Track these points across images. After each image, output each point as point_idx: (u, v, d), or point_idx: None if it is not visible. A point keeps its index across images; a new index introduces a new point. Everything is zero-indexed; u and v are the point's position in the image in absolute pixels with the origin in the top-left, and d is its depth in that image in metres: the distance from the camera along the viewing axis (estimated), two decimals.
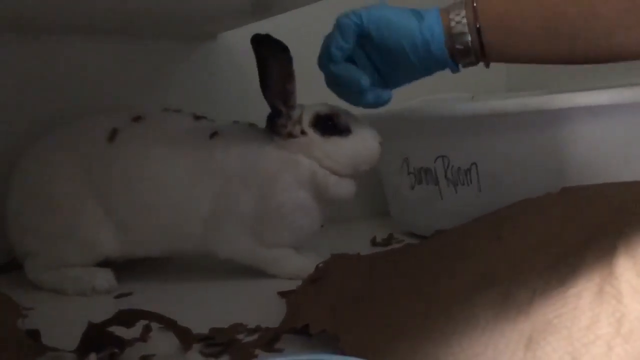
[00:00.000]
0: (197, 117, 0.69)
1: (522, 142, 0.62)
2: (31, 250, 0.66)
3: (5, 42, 0.76)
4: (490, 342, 0.37)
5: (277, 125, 0.63)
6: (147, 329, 0.48)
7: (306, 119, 0.64)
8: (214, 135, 0.66)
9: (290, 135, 0.64)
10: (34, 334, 0.46)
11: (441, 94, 0.90)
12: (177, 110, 0.70)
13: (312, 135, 0.64)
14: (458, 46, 0.61)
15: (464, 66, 0.64)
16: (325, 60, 0.64)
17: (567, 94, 0.57)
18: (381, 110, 0.82)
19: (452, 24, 0.61)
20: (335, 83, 0.65)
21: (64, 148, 0.66)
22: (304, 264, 0.63)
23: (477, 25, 0.61)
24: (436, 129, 0.73)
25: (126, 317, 0.45)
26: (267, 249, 0.65)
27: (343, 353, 0.40)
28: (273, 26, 0.76)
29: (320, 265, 0.57)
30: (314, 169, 0.64)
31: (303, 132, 0.64)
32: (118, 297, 0.62)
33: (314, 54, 0.66)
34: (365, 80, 0.63)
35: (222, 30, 0.89)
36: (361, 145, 0.65)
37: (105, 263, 0.66)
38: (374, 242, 0.81)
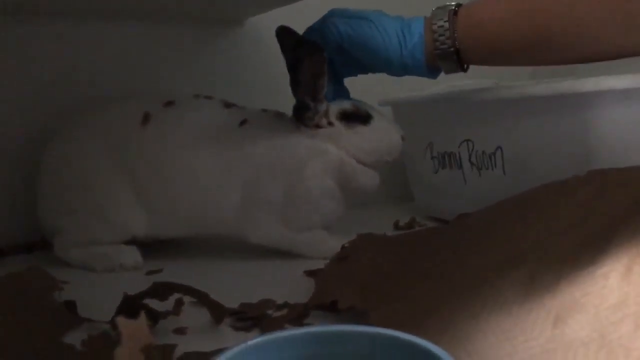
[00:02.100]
0: (228, 105, 0.70)
1: (548, 126, 0.62)
2: (61, 228, 0.68)
3: (36, 27, 0.78)
4: (517, 319, 0.38)
5: (304, 118, 0.65)
6: (179, 303, 0.49)
7: (332, 113, 0.66)
8: (243, 122, 0.67)
9: (318, 126, 0.66)
10: (71, 305, 0.48)
11: (465, 81, 0.90)
12: (208, 96, 0.71)
13: (338, 126, 0.66)
14: (437, 52, 0.63)
15: (446, 73, 0.66)
16: None
17: (594, 78, 0.57)
18: (406, 95, 0.83)
19: (435, 36, 0.63)
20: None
21: (96, 130, 0.67)
22: (337, 244, 0.64)
23: (455, 34, 0.62)
24: (461, 114, 0.73)
25: (160, 290, 0.46)
26: (299, 233, 0.67)
27: None
28: (297, 12, 0.77)
29: (347, 244, 0.58)
30: (343, 157, 0.66)
31: (330, 124, 0.66)
32: (149, 273, 0.63)
33: None
34: (329, 91, 0.66)
35: (249, 16, 0.90)
36: (384, 134, 0.68)
37: (132, 241, 0.68)
38: (396, 226, 0.81)
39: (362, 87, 0.76)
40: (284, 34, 0.66)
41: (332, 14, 0.66)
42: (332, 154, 0.65)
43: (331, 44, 0.65)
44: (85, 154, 0.67)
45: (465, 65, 0.64)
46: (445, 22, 0.62)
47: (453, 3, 0.64)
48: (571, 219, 0.47)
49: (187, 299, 0.50)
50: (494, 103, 0.67)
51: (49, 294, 0.50)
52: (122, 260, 0.65)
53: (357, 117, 0.67)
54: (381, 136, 0.67)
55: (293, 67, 0.63)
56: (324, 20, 0.66)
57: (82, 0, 0.72)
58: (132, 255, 0.66)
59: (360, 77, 0.71)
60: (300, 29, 0.73)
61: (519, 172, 0.67)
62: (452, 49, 0.62)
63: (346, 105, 0.67)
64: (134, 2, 0.74)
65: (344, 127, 0.66)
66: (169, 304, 0.48)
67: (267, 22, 0.87)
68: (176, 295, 0.48)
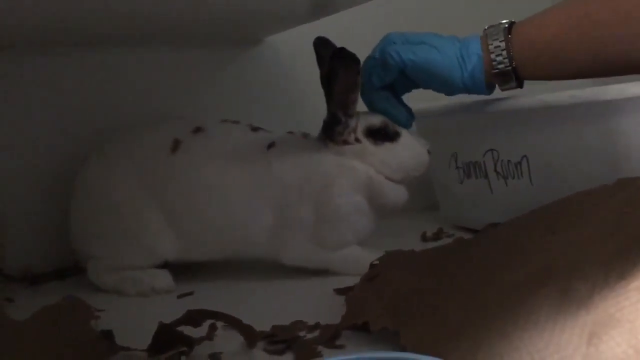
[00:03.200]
0: (255, 129, 0.71)
1: (574, 134, 0.62)
2: (94, 254, 0.69)
3: (65, 56, 0.80)
4: (552, 337, 0.38)
5: (334, 133, 0.65)
6: (213, 328, 0.50)
7: (360, 128, 0.66)
8: (271, 146, 0.68)
9: (345, 142, 0.66)
10: (108, 335, 0.49)
11: None
12: (235, 121, 0.72)
13: (365, 142, 0.66)
14: (495, 72, 0.65)
15: (503, 90, 0.67)
16: (365, 82, 0.67)
17: (619, 85, 0.57)
18: (429, 105, 0.83)
19: (493, 56, 0.64)
20: (372, 108, 0.69)
21: (127, 156, 0.69)
22: (372, 259, 0.64)
23: (512, 55, 0.63)
24: (485, 123, 0.73)
25: (194, 317, 0.47)
26: (333, 251, 0.67)
27: (404, 349, 0.41)
28: (317, 30, 0.77)
29: (375, 262, 0.58)
30: (371, 174, 0.66)
31: (357, 140, 0.66)
32: (181, 296, 0.64)
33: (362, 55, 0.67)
34: (402, 116, 0.68)
35: (267, 35, 0.91)
36: (411, 150, 0.68)
37: (164, 264, 0.69)
38: (424, 238, 0.81)
39: None
40: (321, 45, 0.67)
41: (391, 40, 0.67)
42: (359, 170, 0.66)
43: (393, 71, 0.66)
44: (116, 180, 0.68)
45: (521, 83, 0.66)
46: (501, 41, 0.63)
47: (505, 21, 0.65)
48: (602, 230, 0.47)
49: (220, 323, 0.50)
50: (518, 112, 0.67)
51: (86, 324, 0.51)
52: (154, 284, 0.66)
53: (385, 134, 0.67)
54: (408, 153, 0.67)
55: (327, 79, 0.64)
56: (384, 48, 0.66)
57: (108, 29, 0.73)
58: (165, 279, 0.67)
59: None
60: None
61: (547, 181, 0.66)
62: (509, 68, 0.64)
63: (374, 121, 0.67)
64: (156, 28, 0.76)
65: (371, 143, 0.66)
66: (202, 329, 0.49)
67: (286, 40, 0.89)
68: (209, 321, 0.49)
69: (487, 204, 0.76)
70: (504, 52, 0.63)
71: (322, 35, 0.69)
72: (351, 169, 0.65)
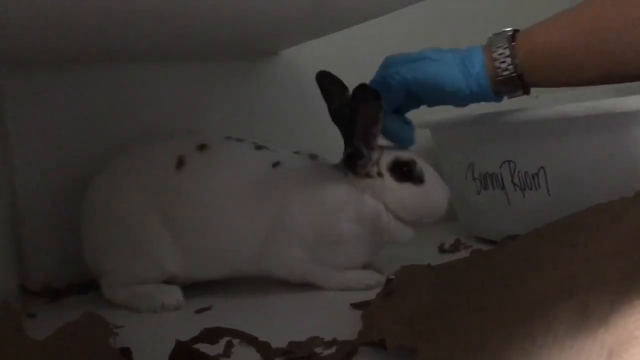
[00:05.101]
0: (258, 147, 0.71)
1: (591, 146, 0.61)
2: (104, 268, 0.70)
3: (73, 72, 0.81)
4: (570, 354, 0.37)
5: (357, 166, 0.66)
6: (229, 345, 0.50)
7: (384, 162, 0.66)
8: (276, 165, 0.69)
9: (368, 176, 0.66)
10: (126, 352, 0.49)
11: None
12: (240, 139, 0.72)
13: (388, 178, 0.66)
14: (500, 79, 0.64)
15: (509, 97, 0.67)
16: None
17: (635, 96, 0.56)
18: (445, 116, 0.83)
19: (497, 64, 0.64)
20: (384, 132, 0.68)
21: (134, 173, 0.70)
22: (358, 276, 0.67)
23: (517, 62, 0.63)
24: (501, 134, 0.72)
25: (211, 335, 0.47)
26: (321, 266, 0.68)
27: None
28: (328, 44, 0.78)
29: (392, 277, 0.58)
30: (380, 211, 0.66)
31: (380, 174, 0.66)
32: (198, 312, 0.64)
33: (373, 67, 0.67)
34: (413, 132, 0.69)
35: (282, 49, 0.91)
36: (432, 197, 0.68)
37: (175, 281, 0.69)
38: (441, 249, 0.81)
39: None
40: (325, 79, 0.68)
41: (390, 63, 0.67)
42: (368, 205, 0.66)
43: (399, 92, 0.66)
44: (123, 195, 0.69)
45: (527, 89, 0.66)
46: (505, 48, 0.63)
47: (508, 29, 0.65)
48: (620, 244, 0.46)
49: (236, 340, 0.50)
50: (535, 123, 0.66)
51: (104, 341, 0.51)
52: (163, 300, 0.67)
53: (409, 173, 0.67)
54: (428, 200, 0.67)
55: (338, 112, 0.65)
56: (385, 71, 0.66)
57: (121, 45, 0.74)
58: (174, 295, 0.67)
59: None
60: (332, 61, 0.74)
61: (564, 193, 0.65)
62: (514, 74, 0.63)
63: (403, 155, 0.67)
64: (172, 42, 0.76)
65: (393, 179, 0.66)
66: (219, 346, 0.49)
67: (300, 54, 0.89)
68: (226, 338, 0.49)
69: (504, 215, 0.75)
70: (508, 59, 0.63)
71: (334, 49, 0.70)
72: (360, 202, 0.66)
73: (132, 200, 0.68)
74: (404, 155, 0.67)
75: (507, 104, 0.69)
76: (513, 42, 0.63)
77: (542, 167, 0.67)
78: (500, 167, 0.73)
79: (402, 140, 0.69)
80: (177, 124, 0.86)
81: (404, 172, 0.66)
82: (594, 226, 0.51)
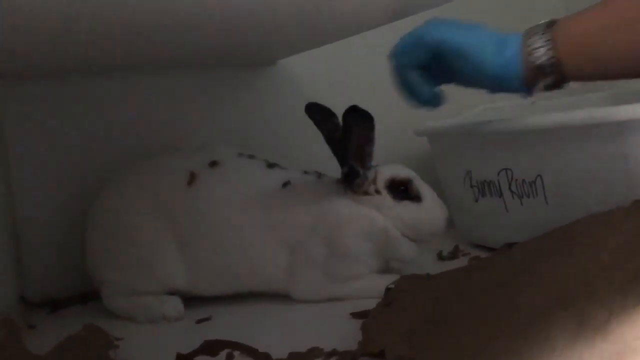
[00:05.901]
0: (270, 165, 0.72)
1: (588, 154, 0.61)
2: (107, 279, 0.70)
3: (81, 84, 0.82)
4: None
5: (354, 184, 0.67)
6: (230, 357, 0.50)
7: (381, 180, 0.68)
8: (286, 184, 0.69)
9: (366, 193, 0.67)
10: None
11: (501, 102, 0.90)
12: (251, 155, 0.73)
13: (385, 196, 0.67)
14: (534, 66, 0.62)
15: (543, 90, 0.64)
16: (397, 59, 0.66)
17: (633, 105, 0.56)
18: (442, 124, 0.83)
19: (532, 50, 0.62)
20: (398, 81, 0.67)
21: (143, 187, 0.70)
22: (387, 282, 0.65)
23: (555, 48, 0.61)
24: (499, 142, 0.72)
25: (211, 347, 0.47)
26: (344, 283, 0.68)
27: None
28: (326, 53, 0.78)
29: (391, 286, 0.58)
30: (388, 227, 0.67)
31: (377, 192, 0.67)
32: (199, 322, 0.65)
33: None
34: (426, 95, 0.66)
35: (280, 58, 0.91)
36: (430, 215, 0.68)
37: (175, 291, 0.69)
38: (440, 257, 0.81)
39: (397, 117, 0.76)
40: (313, 110, 0.69)
41: (431, 21, 0.66)
42: (376, 220, 0.67)
43: (427, 47, 0.64)
44: (132, 208, 0.69)
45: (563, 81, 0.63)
46: (543, 34, 0.62)
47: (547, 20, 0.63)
48: (618, 254, 0.47)
49: (236, 352, 0.50)
50: (532, 131, 0.67)
51: (105, 353, 0.51)
52: (164, 311, 0.67)
53: (406, 192, 0.68)
54: (427, 218, 0.68)
55: (329, 137, 0.67)
56: (422, 26, 0.66)
57: (115, 55, 0.74)
58: (175, 306, 0.68)
59: (395, 107, 0.71)
60: (330, 70, 0.74)
61: (562, 200, 0.66)
62: (551, 62, 0.61)
63: (399, 173, 0.68)
64: (170, 52, 0.77)
65: (391, 198, 0.67)
66: (220, 358, 0.49)
67: (298, 63, 0.90)
68: (226, 350, 0.50)
69: (502, 223, 0.76)
70: (547, 44, 0.61)
71: (332, 58, 0.70)
72: (368, 217, 0.66)
73: (140, 212, 0.69)
74: (401, 173, 0.69)
75: (504, 113, 0.69)
76: (551, 28, 0.62)
77: (539, 175, 0.68)
78: (498, 174, 0.74)
79: (419, 99, 0.67)
80: (175, 132, 0.86)
81: (401, 190, 0.68)
82: (592, 236, 0.51)
